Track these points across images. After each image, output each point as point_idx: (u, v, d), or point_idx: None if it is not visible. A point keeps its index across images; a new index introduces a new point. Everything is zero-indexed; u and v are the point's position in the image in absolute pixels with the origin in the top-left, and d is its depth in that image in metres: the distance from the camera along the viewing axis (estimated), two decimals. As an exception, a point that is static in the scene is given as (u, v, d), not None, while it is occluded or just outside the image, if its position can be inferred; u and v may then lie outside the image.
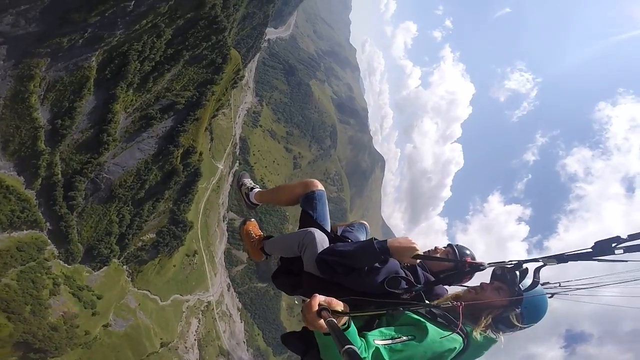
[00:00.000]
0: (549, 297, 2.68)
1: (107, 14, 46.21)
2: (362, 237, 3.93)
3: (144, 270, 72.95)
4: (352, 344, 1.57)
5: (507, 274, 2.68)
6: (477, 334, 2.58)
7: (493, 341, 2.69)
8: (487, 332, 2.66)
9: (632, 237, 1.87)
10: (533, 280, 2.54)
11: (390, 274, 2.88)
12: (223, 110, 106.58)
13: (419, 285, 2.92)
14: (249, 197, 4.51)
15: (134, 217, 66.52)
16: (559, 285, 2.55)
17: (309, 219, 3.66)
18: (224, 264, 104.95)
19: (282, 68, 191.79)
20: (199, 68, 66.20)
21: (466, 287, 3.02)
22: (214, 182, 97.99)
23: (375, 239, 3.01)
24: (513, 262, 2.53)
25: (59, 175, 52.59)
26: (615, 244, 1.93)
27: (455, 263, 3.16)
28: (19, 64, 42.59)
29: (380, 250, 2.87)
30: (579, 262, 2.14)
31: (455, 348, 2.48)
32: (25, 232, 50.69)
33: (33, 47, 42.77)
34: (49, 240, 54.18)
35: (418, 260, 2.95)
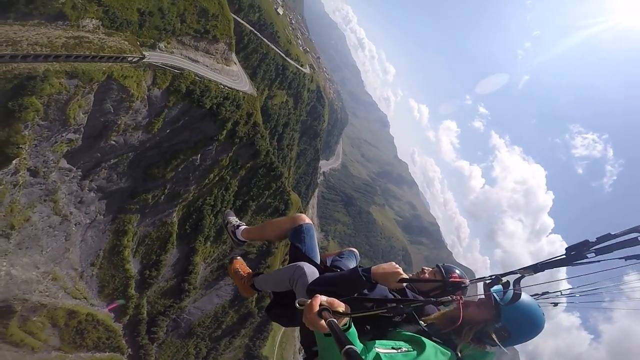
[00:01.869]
0: (554, 307, 2.85)
1: (180, 169, 56.51)
2: (352, 265, 4.09)
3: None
4: (353, 344, 1.62)
5: (489, 290, 2.77)
6: (464, 348, 2.71)
7: (486, 354, 2.79)
8: (477, 346, 2.78)
9: (600, 239, 2.00)
10: (514, 292, 2.58)
11: (382, 295, 3.06)
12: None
13: (409, 308, 2.97)
14: (235, 234, 4.70)
15: (210, 350, 72.26)
16: (561, 294, 2.74)
17: (298, 253, 3.81)
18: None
19: (340, 199, 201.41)
20: (265, 216, 75.62)
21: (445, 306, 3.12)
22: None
23: (360, 267, 3.20)
24: (492, 277, 2.69)
25: (145, 315, 60.73)
26: (586, 247, 2.05)
27: (440, 282, 3.33)
28: (115, 219, 52.69)
29: (366, 277, 2.97)
30: (554, 269, 2.25)
31: None
32: (106, 353, 56.38)
33: (126, 203, 52.93)
34: (127, 363, 59.79)
35: (404, 284, 3.09)
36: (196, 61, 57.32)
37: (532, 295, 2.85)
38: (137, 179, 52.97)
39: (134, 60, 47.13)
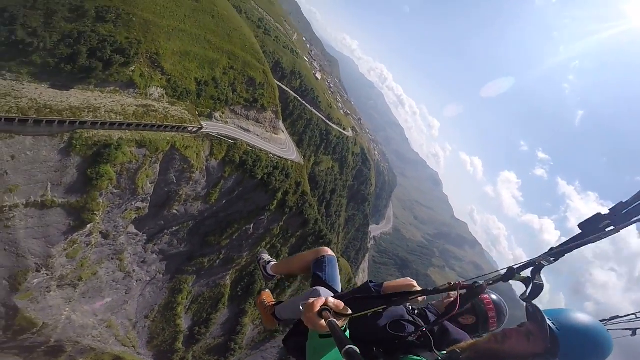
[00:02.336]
0: (632, 335, 2.49)
1: (234, 237, 60.73)
2: None
3: None
4: (353, 345, 1.64)
5: (534, 312, 2.24)
6: None
7: None
8: None
9: (613, 209, 1.87)
10: (534, 284, 2.19)
11: (393, 318, 2.85)
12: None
13: (426, 325, 2.80)
14: (266, 269, 5.03)
15: (251, 410, 69.96)
16: (636, 317, 2.46)
17: (319, 281, 3.87)
18: None
19: (394, 263, 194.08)
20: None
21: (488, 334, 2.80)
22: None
23: (371, 281, 3.21)
24: (506, 271, 2.33)
25: (188, 369, 60.98)
26: (600, 220, 1.93)
27: (450, 288, 2.81)
28: (173, 278, 57.07)
29: (376, 290, 2.98)
30: (576, 250, 2.05)
31: None
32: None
33: (184, 265, 57.55)
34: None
35: (421, 298, 2.80)
36: (247, 130, 63.31)
37: (601, 321, 2.41)
38: (195, 244, 57.68)
39: (193, 130, 52.53)
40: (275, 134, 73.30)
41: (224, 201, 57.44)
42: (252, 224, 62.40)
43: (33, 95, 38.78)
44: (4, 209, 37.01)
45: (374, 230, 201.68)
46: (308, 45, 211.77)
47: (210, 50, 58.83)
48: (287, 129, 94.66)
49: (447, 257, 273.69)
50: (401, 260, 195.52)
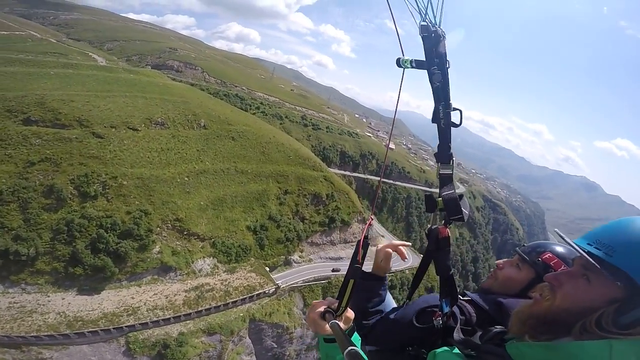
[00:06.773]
0: None
1: None
2: None
3: None
4: (356, 346, 1.63)
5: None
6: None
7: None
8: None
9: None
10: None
11: (418, 306, 2.45)
12: None
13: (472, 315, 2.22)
14: None
15: None
16: None
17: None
18: None
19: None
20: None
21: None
22: None
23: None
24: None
25: None
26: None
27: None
28: None
29: (355, 270, 2.41)
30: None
31: None
32: None
33: None
34: None
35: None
36: (339, 258, 53.16)
37: None
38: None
39: (270, 292, 44.74)
40: (375, 245, 62.02)
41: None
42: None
43: (60, 307, 36.08)
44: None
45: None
46: (364, 120, 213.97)
47: (251, 182, 50.51)
48: (388, 223, 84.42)
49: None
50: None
